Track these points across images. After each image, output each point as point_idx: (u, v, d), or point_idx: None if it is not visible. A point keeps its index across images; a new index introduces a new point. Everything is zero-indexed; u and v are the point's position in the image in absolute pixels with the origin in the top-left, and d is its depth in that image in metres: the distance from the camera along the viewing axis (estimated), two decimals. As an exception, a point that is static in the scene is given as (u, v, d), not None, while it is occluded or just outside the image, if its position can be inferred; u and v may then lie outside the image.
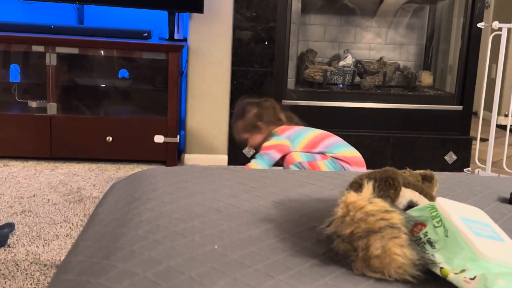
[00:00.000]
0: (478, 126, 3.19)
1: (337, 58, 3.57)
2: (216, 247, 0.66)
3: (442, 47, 3.58)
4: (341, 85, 3.42)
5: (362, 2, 3.57)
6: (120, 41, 3.01)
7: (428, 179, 0.86)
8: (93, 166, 3.01)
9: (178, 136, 3.13)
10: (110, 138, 3.04)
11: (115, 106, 3.31)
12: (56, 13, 3.43)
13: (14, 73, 3.29)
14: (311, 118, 3.25)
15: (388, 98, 3.31)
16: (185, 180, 0.93)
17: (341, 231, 0.64)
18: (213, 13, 3.07)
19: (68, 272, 0.65)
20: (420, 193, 0.78)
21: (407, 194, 0.76)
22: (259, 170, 1.02)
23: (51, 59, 2.96)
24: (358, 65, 3.45)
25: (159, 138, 3.09)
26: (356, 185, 0.75)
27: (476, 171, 3.17)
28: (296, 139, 2.30)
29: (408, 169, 0.87)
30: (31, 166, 2.92)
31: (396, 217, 0.64)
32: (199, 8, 2.99)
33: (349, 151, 2.29)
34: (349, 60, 3.43)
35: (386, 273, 0.62)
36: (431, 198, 0.79)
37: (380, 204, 0.65)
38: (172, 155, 3.12)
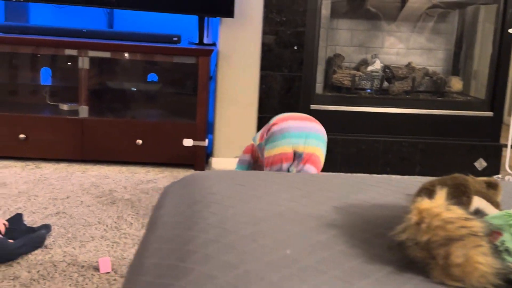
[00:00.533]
0: (508, 133, 3.16)
1: (365, 63, 3.56)
2: (288, 252, 0.66)
3: (471, 52, 3.55)
4: (369, 90, 3.41)
5: (387, 6, 3.56)
6: (152, 45, 3.03)
7: (493, 187, 0.86)
8: (123, 168, 3.04)
9: (206, 140, 3.15)
10: (140, 141, 3.06)
11: (145, 110, 3.34)
12: (86, 17, 3.47)
13: (45, 76, 3.34)
14: (339, 123, 3.25)
15: (417, 103, 3.29)
16: (241, 184, 0.94)
17: (416, 238, 0.64)
18: (243, 17, 3.09)
19: (145, 274, 0.66)
20: (488, 200, 0.77)
21: (475, 202, 0.76)
22: (311, 175, 1.02)
23: (83, 63, 2.99)
24: (386, 70, 3.44)
25: (188, 142, 3.11)
26: (426, 192, 0.75)
27: (506, 178, 3.14)
28: (256, 134, 2.37)
29: (471, 176, 0.86)
30: (63, 168, 2.96)
31: (477, 225, 0.64)
32: (230, 13, 3.01)
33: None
34: (377, 65, 3.42)
35: (468, 282, 0.62)
36: (497, 206, 0.78)
37: (458, 211, 0.65)
38: (200, 159, 3.14)
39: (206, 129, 3.15)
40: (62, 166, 3.00)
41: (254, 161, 2.41)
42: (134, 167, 3.08)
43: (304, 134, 2.16)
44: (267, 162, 2.18)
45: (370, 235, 0.75)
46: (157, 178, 2.91)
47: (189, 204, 0.87)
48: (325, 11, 3.21)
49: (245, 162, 2.39)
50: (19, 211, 2.25)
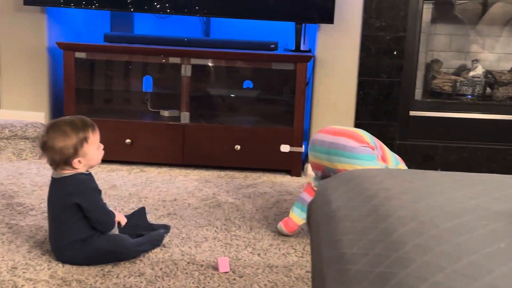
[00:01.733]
0: None
1: (464, 68, 3.46)
2: (502, 245, 0.65)
3: None
4: (470, 96, 3.30)
5: (485, 11, 3.44)
6: (253, 53, 3.09)
7: None
8: (222, 173, 3.10)
9: (303, 146, 3.16)
10: (239, 147, 3.12)
11: (242, 116, 3.39)
12: (183, 27, 3.59)
13: (146, 84, 3.47)
14: (439, 129, 3.17)
15: (524, 110, 3.15)
16: (409, 181, 0.93)
17: None
18: (341, 23, 3.08)
19: (352, 264, 0.67)
20: None
21: None
22: (475, 174, 1.00)
23: (186, 70, 3.09)
24: (489, 75, 3.32)
25: (285, 148, 3.13)
26: None
27: None
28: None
29: None
30: (166, 172, 3.05)
31: None
32: (329, 19, 3.01)
33: None
34: (479, 70, 3.31)
35: None
36: None
37: None
38: (297, 165, 3.15)
39: (303, 135, 3.16)
40: (165, 170, 3.10)
41: None
42: (232, 172, 3.13)
43: (325, 150, 2.09)
44: None
45: None
46: (256, 183, 2.94)
47: (364, 198, 0.87)
48: (426, 15, 3.15)
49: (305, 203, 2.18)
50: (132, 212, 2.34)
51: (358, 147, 2.01)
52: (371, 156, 2.02)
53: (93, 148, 1.88)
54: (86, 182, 1.87)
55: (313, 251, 0.96)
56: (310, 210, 1.08)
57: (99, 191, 1.91)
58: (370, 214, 0.80)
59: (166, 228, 2.13)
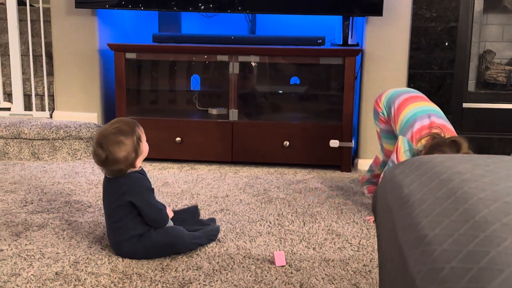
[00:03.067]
0: None
1: (518, 58, 3.35)
2: None
3: None
4: (525, 87, 3.19)
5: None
6: (300, 48, 3.08)
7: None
8: (272, 170, 3.10)
9: (352, 141, 3.12)
10: (287, 143, 3.11)
11: (291, 112, 3.38)
12: (229, 25, 3.61)
13: (194, 83, 3.50)
14: (494, 121, 3.08)
15: None
16: (484, 165, 0.90)
17: None
18: (390, 15, 3.03)
19: (440, 244, 0.65)
20: None
21: None
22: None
23: (233, 68, 3.10)
24: (545, 64, 3.20)
25: (334, 143, 3.10)
26: None
27: None
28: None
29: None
30: (216, 170, 3.08)
31: None
32: (378, 11, 2.97)
33: None
34: (534, 60, 3.19)
35: None
36: None
37: None
38: (347, 160, 3.12)
39: (352, 130, 3.12)
40: (215, 167, 3.12)
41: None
42: (281, 168, 3.12)
43: None
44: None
45: None
46: (306, 179, 2.93)
47: (439, 182, 0.85)
48: (478, 5, 3.06)
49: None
50: (183, 208, 2.36)
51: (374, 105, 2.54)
52: (374, 113, 2.55)
53: (145, 143, 1.93)
54: (140, 181, 1.90)
55: (383, 237, 0.94)
56: (376, 197, 1.06)
57: (152, 190, 1.94)
58: (448, 196, 0.78)
59: (213, 221, 2.15)
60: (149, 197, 1.91)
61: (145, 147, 1.93)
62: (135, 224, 1.89)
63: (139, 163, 1.92)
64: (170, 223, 1.98)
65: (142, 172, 1.94)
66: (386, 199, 0.95)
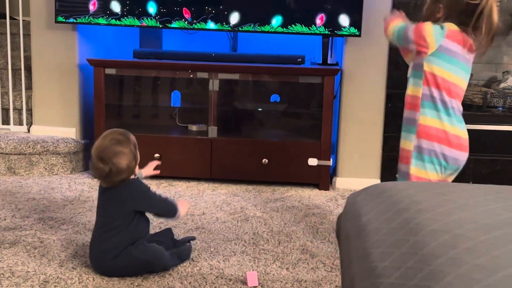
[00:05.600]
0: None
1: (494, 80, 3.40)
2: (540, 258, 0.63)
3: None
4: (501, 108, 3.24)
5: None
6: (280, 67, 3.10)
7: None
8: (250, 187, 3.10)
9: (331, 159, 3.14)
10: (266, 161, 3.11)
11: (270, 130, 3.40)
12: (211, 42, 3.63)
13: (175, 99, 3.50)
14: (470, 142, 3.10)
15: (558, 121, 3.08)
16: (443, 194, 0.91)
17: None
18: (369, 36, 3.07)
19: (384, 277, 0.65)
20: None
21: None
22: (506, 187, 0.97)
23: (213, 85, 3.11)
24: (520, 86, 3.26)
25: (312, 161, 3.12)
26: None
27: None
28: (443, 53, 1.94)
29: None
30: (194, 186, 3.07)
31: None
32: (357, 32, 3.00)
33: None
34: (510, 82, 3.25)
35: None
36: None
37: None
38: (325, 178, 3.13)
39: (331, 148, 3.14)
40: (193, 184, 3.12)
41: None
42: (260, 186, 3.12)
43: None
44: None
45: None
46: (284, 197, 2.93)
47: (396, 211, 0.86)
48: (455, 27, 3.11)
49: (405, 37, 2.00)
50: (162, 226, 2.35)
51: None
52: None
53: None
54: (139, 187, 1.94)
55: (343, 264, 0.95)
56: (339, 223, 1.07)
57: (149, 188, 1.97)
58: (402, 227, 0.79)
59: (192, 239, 2.14)
60: (151, 197, 1.95)
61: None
62: (125, 235, 1.89)
63: (137, 169, 1.94)
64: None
65: (136, 179, 1.96)
66: (346, 226, 0.96)
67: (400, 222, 0.81)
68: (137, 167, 1.95)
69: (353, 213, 0.96)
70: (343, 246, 0.96)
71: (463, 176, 3.07)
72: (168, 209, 1.98)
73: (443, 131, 1.98)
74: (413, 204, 0.87)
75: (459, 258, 0.64)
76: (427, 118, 2.01)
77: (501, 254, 0.64)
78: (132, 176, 1.94)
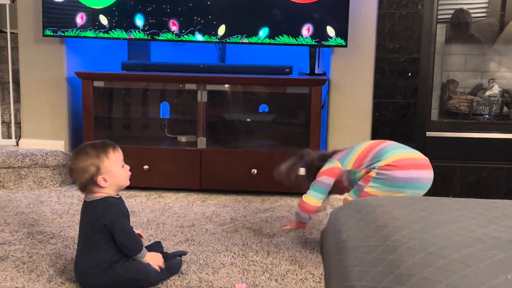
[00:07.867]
0: None
1: (480, 87, 3.44)
2: (510, 277, 0.65)
3: None
4: (487, 116, 3.28)
5: (497, 31, 3.44)
6: (267, 77, 3.12)
7: None
8: (239, 197, 3.11)
9: (320, 169, 3.15)
10: (255, 171, 3.13)
11: (259, 140, 3.41)
12: (199, 53, 3.65)
13: (164, 110, 3.51)
14: (457, 150, 3.15)
15: (543, 128, 3.12)
16: (420, 209, 0.93)
17: None
18: (355, 46, 3.10)
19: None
20: None
21: None
22: (489, 201, 1.00)
23: (202, 96, 3.13)
24: (505, 94, 3.30)
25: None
26: None
27: None
28: (346, 158, 2.25)
29: None
30: (183, 198, 3.08)
31: None
32: (343, 43, 3.03)
33: (399, 154, 2.08)
34: (495, 90, 3.29)
35: None
36: None
37: None
38: (314, 188, 3.14)
39: (319, 158, 3.15)
40: (182, 195, 3.12)
41: (334, 185, 2.27)
42: (249, 196, 3.14)
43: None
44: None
45: None
46: (273, 207, 2.95)
47: (374, 228, 0.87)
48: (440, 36, 3.16)
49: (327, 186, 2.25)
50: (151, 239, 2.36)
51: None
52: None
53: (116, 165, 1.90)
54: (115, 205, 1.91)
55: (326, 280, 0.96)
56: (323, 238, 1.09)
57: (127, 215, 1.93)
58: (379, 245, 0.81)
59: (184, 253, 2.14)
60: (123, 221, 1.90)
61: (114, 170, 1.89)
62: (107, 251, 1.87)
63: (108, 186, 1.89)
64: (144, 253, 1.94)
65: (118, 199, 1.95)
66: (328, 242, 0.97)
67: (378, 239, 0.83)
68: (108, 183, 1.87)
69: (334, 229, 0.98)
70: (325, 262, 0.98)
71: (450, 184, 3.11)
72: (129, 244, 1.89)
73: None
74: (391, 221, 0.88)
75: (432, 278, 0.65)
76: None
77: (471, 272, 0.66)
78: (109, 193, 1.93)
